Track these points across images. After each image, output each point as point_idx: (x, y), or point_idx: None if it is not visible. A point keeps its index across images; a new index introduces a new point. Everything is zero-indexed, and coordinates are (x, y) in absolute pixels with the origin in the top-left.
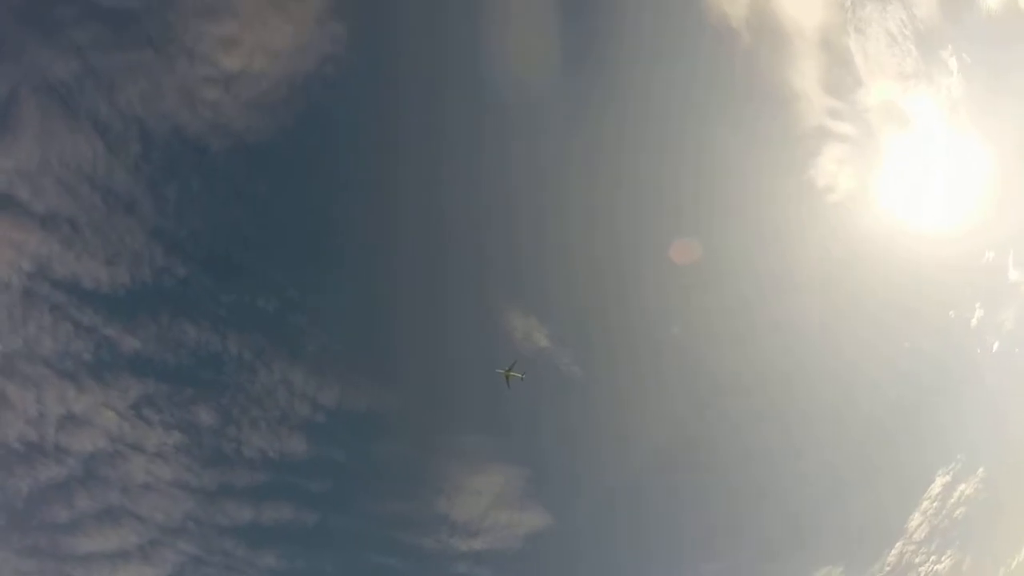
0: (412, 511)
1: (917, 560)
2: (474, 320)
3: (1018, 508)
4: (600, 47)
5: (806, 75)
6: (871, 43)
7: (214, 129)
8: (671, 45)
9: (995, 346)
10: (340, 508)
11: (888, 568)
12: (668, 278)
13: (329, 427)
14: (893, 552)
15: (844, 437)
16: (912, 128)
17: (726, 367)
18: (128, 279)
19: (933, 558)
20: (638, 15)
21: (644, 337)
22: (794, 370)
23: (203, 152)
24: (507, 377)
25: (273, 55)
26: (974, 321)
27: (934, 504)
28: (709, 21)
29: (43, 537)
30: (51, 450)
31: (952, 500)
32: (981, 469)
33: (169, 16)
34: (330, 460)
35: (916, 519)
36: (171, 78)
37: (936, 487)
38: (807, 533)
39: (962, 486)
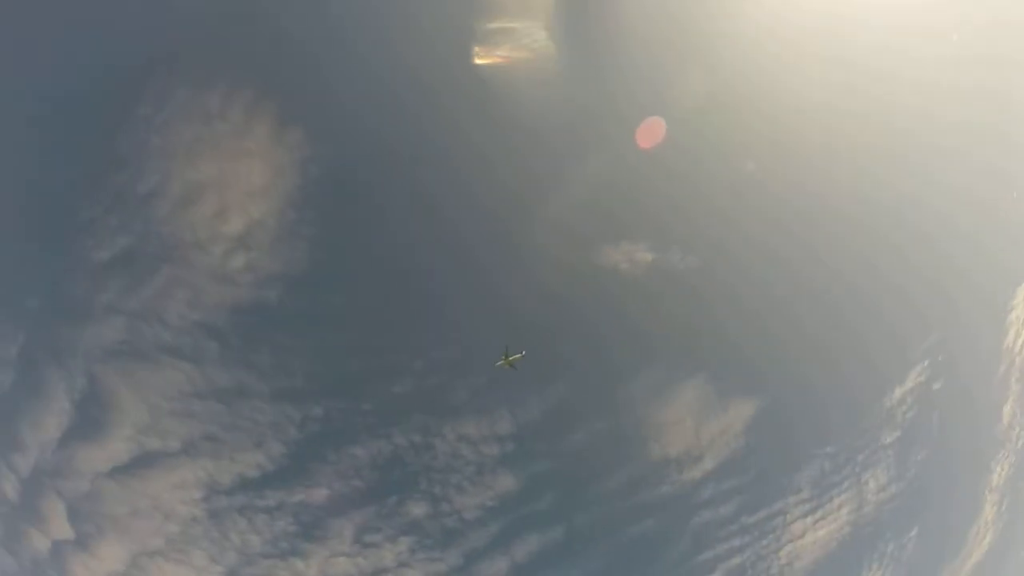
0: (635, 472)
1: None
2: (577, 277)
3: None
4: None
5: None
6: None
7: (260, 285)
8: None
9: None
10: (575, 509)
11: None
12: (722, 121)
13: (522, 449)
14: None
15: (953, 179)
16: None
17: (822, 172)
18: (282, 447)
19: None
20: None
21: (729, 190)
22: (870, 135)
23: (265, 308)
24: (509, 364)
25: (261, 194)
26: None
27: None
28: None
29: None
30: None
31: None
32: None
33: (158, 228)
34: (541, 475)
35: None
36: (197, 272)
37: None
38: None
39: None
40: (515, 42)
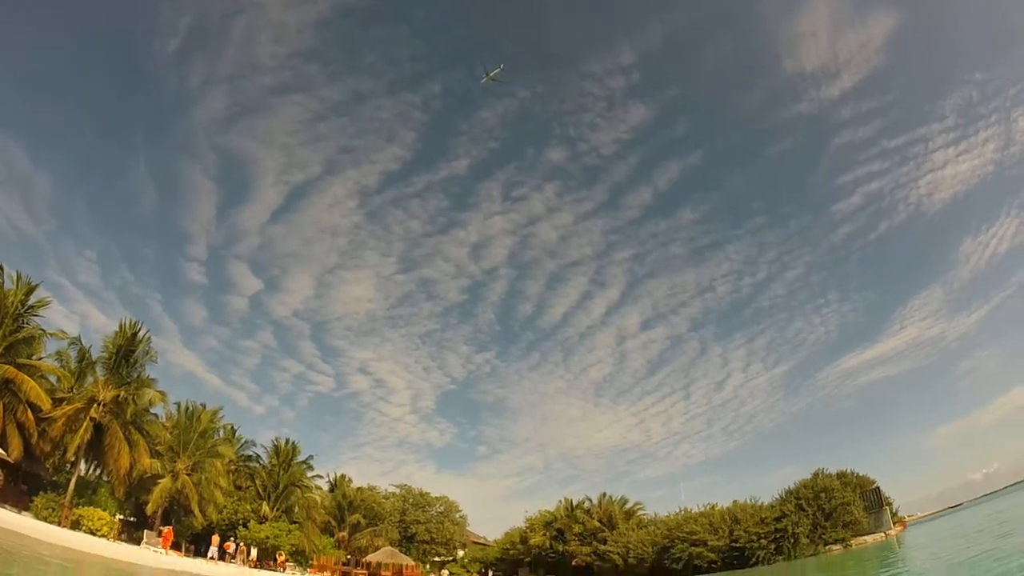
0: (770, 89)
1: None
2: None
3: None
4: None
5: None
6: None
7: None
8: None
9: None
10: (711, 133)
11: None
12: None
13: (649, 77)
14: None
15: None
16: None
17: None
18: (413, 133)
19: None
20: None
21: None
22: None
23: (348, 10)
24: (492, 79)
25: None
26: None
27: None
28: None
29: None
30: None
31: None
32: None
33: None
34: (672, 101)
35: None
36: (269, 8)
37: None
38: None
39: None
40: None
